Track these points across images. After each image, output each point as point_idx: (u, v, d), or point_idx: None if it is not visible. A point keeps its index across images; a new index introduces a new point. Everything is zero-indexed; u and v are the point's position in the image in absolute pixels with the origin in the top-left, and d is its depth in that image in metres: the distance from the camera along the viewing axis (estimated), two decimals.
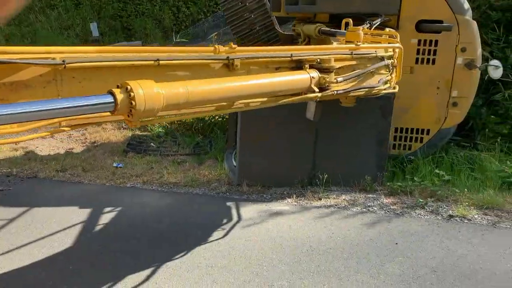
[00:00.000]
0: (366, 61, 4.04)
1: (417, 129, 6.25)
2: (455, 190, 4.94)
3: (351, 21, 4.99)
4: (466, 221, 4.32)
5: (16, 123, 1.80)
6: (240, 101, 3.11)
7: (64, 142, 7.92)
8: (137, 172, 6.05)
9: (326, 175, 5.38)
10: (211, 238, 4.03)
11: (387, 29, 4.83)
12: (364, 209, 4.62)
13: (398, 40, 4.58)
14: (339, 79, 3.53)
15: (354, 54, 3.85)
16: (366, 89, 4.09)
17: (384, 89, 4.49)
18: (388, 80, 4.47)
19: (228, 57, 2.90)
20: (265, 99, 3.25)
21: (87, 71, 2.21)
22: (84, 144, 7.75)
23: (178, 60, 2.64)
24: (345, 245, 3.87)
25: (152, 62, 2.49)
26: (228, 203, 4.86)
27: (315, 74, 3.40)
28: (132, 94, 2.05)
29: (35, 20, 14.43)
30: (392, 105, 5.31)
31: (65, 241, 4.03)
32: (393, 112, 6.21)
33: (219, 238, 4.04)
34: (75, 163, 6.41)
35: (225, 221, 4.40)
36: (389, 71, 4.44)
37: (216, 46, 2.90)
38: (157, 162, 6.59)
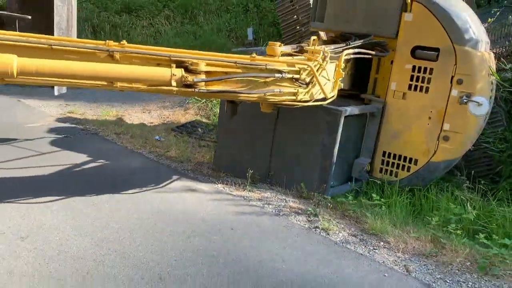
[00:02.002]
0: (258, 71, 4.59)
1: (405, 157, 6.07)
2: (366, 214, 4.88)
3: (316, 38, 5.47)
4: (322, 234, 4.40)
5: None
6: (121, 83, 4.19)
7: (152, 118, 9.91)
8: (160, 145, 7.48)
9: (277, 176, 5.90)
10: (118, 192, 5.16)
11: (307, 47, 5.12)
12: (260, 205, 5.07)
13: (318, 58, 4.87)
14: (196, 79, 4.25)
15: (238, 63, 4.47)
16: (253, 95, 4.60)
17: (289, 100, 4.86)
18: (295, 93, 4.84)
19: (108, 49, 4.03)
20: (138, 85, 4.22)
21: None
22: (162, 121, 9.57)
23: (66, 47, 3.91)
24: (194, 221, 4.55)
25: (46, 46, 3.84)
26: (174, 176, 5.88)
27: (178, 72, 4.23)
28: None
29: (204, 21, 17.20)
30: (338, 122, 5.45)
31: (39, 169, 5.74)
32: (382, 134, 6.18)
33: (125, 193, 5.16)
34: (131, 131, 8.21)
35: (150, 186, 5.47)
36: (299, 85, 4.81)
37: (109, 41, 4.09)
38: (187, 142, 7.92)
